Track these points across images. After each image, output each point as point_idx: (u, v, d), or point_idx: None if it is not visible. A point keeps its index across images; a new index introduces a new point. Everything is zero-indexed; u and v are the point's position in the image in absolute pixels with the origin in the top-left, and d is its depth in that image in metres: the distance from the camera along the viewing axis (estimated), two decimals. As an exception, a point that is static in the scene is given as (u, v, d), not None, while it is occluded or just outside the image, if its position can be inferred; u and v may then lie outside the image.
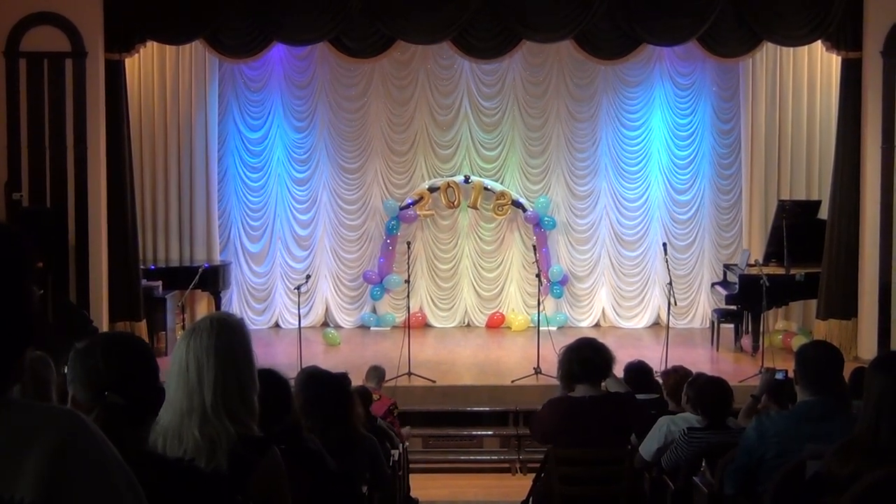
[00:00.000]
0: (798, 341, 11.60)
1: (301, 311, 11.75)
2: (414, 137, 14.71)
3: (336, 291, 14.81)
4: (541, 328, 11.77)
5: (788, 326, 13.57)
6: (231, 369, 2.99)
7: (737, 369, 11.40)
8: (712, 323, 13.20)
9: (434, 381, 11.05)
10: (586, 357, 5.43)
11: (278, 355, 12.33)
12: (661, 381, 6.99)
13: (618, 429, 5.52)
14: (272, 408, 3.59)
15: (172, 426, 2.92)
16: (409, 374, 11.10)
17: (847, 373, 5.42)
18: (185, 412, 2.93)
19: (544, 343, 11.34)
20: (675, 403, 6.38)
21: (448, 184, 14.43)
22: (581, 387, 5.40)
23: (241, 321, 3.23)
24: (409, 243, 12.93)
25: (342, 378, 5.02)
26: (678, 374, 6.59)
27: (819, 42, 12.55)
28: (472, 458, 10.30)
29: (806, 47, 13.16)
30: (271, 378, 3.83)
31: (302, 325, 11.66)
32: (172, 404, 2.94)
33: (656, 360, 10.13)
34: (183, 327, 12.79)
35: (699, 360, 11.62)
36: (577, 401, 5.39)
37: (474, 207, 14.57)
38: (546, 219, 14.51)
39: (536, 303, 12.15)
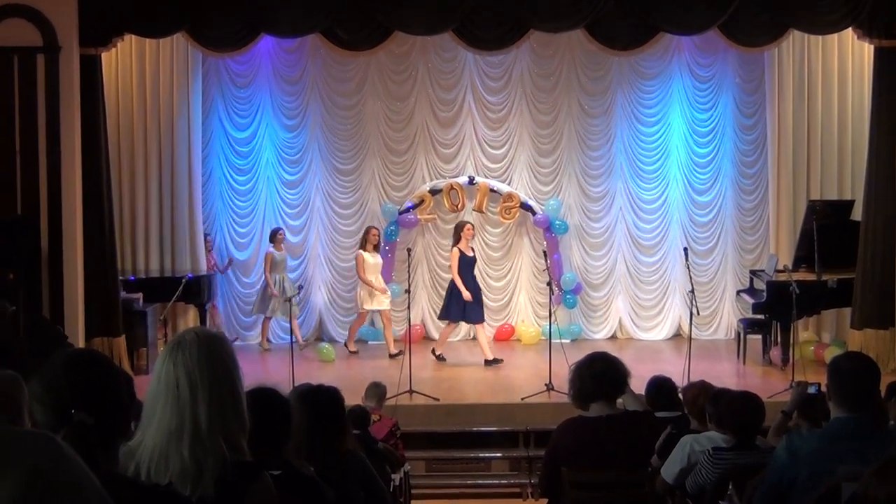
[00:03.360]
0: (831, 353, 11.57)
1: (292, 324, 11.75)
2: (414, 136, 14.72)
3: (330, 303, 14.81)
4: (553, 341, 11.75)
5: (820, 337, 13.56)
6: (226, 385, 2.98)
7: (765, 384, 11.37)
8: (738, 334, 13.18)
9: (437, 400, 11.04)
10: (599, 372, 5.42)
11: (268, 373, 12.33)
12: (682, 397, 6.97)
13: (637, 450, 5.51)
14: (271, 432, 3.57)
15: (159, 448, 2.89)
16: (411, 391, 11.08)
17: (884, 386, 5.41)
18: (175, 432, 2.89)
19: (556, 357, 11.32)
20: (698, 421, 6.36)
21: (451, 185, 14.44)
22: (596, 405, 5.38)
23: (223, 335, 3.23)
24: (409, 250, 12.91)
25: (338, 396, 4.99)
26: (701, 390, 6.57)
27: (850, 29, 12.49)
28: (479, 482, 10.29)
29: (836, 35, 13.11)
30: (272, 399, 3.78)
31: (294, 341, 11.63)
32: (159, 424, 2.91)
33: (678, 375, 10.11)
34: (165, 343, 12.77)
35: (724, 375, 11.59)
36: (593, 420, 5.38)
37: (479, 211, 14.57)
38: (557, 222, 14.51)
39: (548, 313, 12.15)
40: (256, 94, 14.54)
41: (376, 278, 13.34)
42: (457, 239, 12.74)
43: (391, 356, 12.97)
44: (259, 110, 14.57)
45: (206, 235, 14.16)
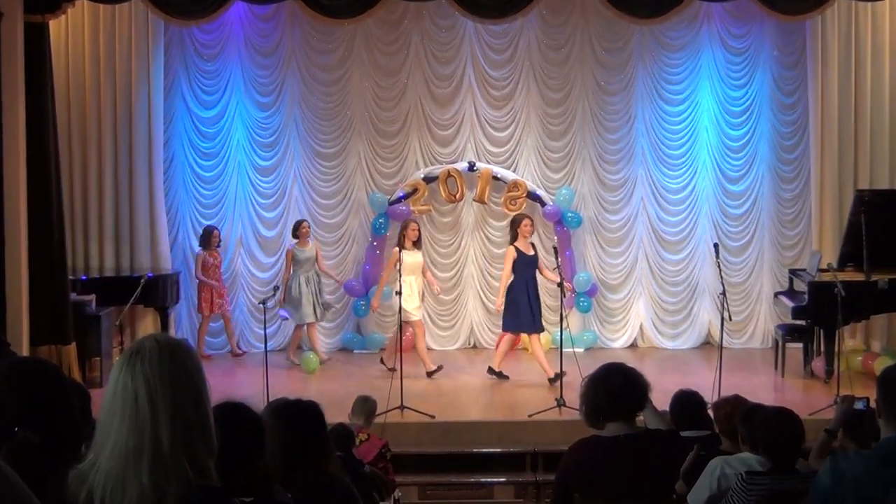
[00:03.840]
0: (881, 363, 11.57)
1: (267, 331, 11.73)
2: (406, 116, 14.73)
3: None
4: (564, 350, 11.76)
5: (869, 346, 13.57)
6: (190, 400, 2.97)
7: (807, 399, 11.37)
8: (776, 342, 13.19)
9: (433, 417, 11.04)
10: (616, 387, 5.40)
11: (239, 386, 12.32)
12: (711, 413, 6.97)
13: (660, 474, 5.50)
14: (241, 453, 3.57)
15: (115, 471, 2.88)
16: (402, 407, 11.08)
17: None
18: (133, 453, 2.87)
19: (568, 368, 11.32)
20: (730, 442, 6.36)
21: (448, 172, 14.44)
22: (613, 424, 5.38)
23: (187, 342, 3.22)
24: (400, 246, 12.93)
25: (318, 412, 4.98)
26: (733, 406, 6.57)
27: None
28: (480, 510, 10.30)
29: (887, 1, 13.14)
30: (241, 415, 3.78)
31: (269, 349, 11.62)
32: (115, 444, 2.88)
33: (707, 389, 10.09)
34: (121, 351, 12.76)
35: (760, 388, 11.60)
36: (609, 441, 5.37)
37: (481, 201, 14.58)
38: (570, 215, 14.53)
39: (559, 318, 12.11)
40: (226, 68, 14.54)
41: (416, 280, 13.06)
42: (514, 236, 12.53)
43: (429, 374, 12.92)
44: (229, 86, 14.56)
45: (214, 229, 14.17)
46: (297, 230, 13.72)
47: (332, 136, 14.71)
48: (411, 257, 12.90)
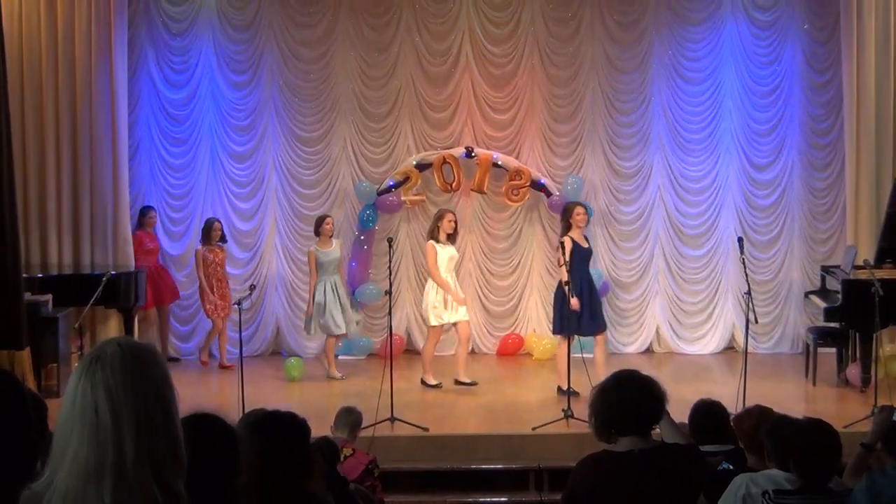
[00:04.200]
0: (923, 371, 11.60)
1: (243, 334, 11.72)
2: (396, 96, 14.73)
3: (290, 308, 14.82)
4: (572, 355, 11.74)
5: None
6: (157, 411, 2.95)
7: (840, 410, 11.36)
8: (807, 346, 13.19)
9: (426, 430, 11.03)
10: (630, 397, 5.39)
11: (211, 396, 12.31)
12: (735, 426, 6.97)
13: (677, 493, 5.50)
14: (213, 470, 3.56)
15: (73, 491, 2.86)
16: (392, 419, 11.07)
17: None
18: (94, 471, 2.85)
19: (577, 376, 11.31)
20: (756, 457, 6.36)
21: (444, 159, 14.44)
22: (625, 438, 5.37)
23: (153, 347, 3.20)
24: (390, 240, 12.84)
25: (301, 424, 4.98)
26: (759, 417, 6.56)
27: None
28: (479, 533, 10.31)
29: (931, -31, 13.17)
30: (212, 427, 3.78)
31: (245, 354, 11.62)
32: (74, 461, 2.86)
33: (731, 399, 10.10)
34: (81, 357, 12.74)
35: (789, 398, 11.61)
36: (621, 456, 5.37)
37: (480, 191, 14.58)
38: (578, 206, 14.52)
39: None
40: (197, 44, 14.54)
41: (452, 278, 12.86)
42: (566, 226, 12.40)
43: (460, 382, 12.78)
44: (200, 64, 14.56)
45: (215, 221, 14.05)
46: (320, 227, 13.43)
47: (314, 118, 14.71)
48: (447, 252, 12.74)
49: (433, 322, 12.73)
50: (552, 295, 12.55)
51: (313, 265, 13.30)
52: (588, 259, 12.49)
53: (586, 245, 12.46)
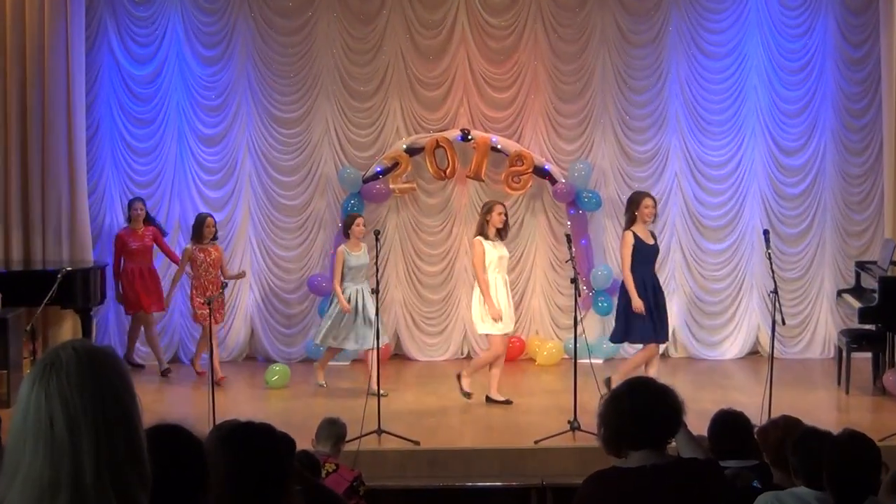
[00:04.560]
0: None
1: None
2: (384, 72, 14.73)
3: (266, 308, 14.82)
4: (579, 361, 11.74)
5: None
6: (117, 420, 2.94)
7: (876, 421, 11.40)
8: (839, 351, 13.21)
9: (417, 443, 11.04)
10: (642, 407, 5.39)
11: (178, 405, 12.30)
12: (759, 439, 6.98)
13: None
14: (178, 483, 3.56)
15: (27, 510, 2.87)
16: (379, 431, 11.08)
17: None
18: (49, 487, 2.84)
19: (584, 384, 11.31)
20: (782, 473, 6.36)
21: (437, 142, 14.43)
22: (638, 453, 5.37)
23: (113, 350, 3.19)
24: (377, 233, 12.85)
25: (276, 438, 4.98)
26: (784, 430, 6.56)
27: None
28: (475, 558, 10.31)
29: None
30: (177, 439, 3.78)
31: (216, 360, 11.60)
32: (27, 477, 2.86)
33: (755, 408, 10.11)
34: (34, 362, 12.75)
35: (819, 408, 11.64)
36: (633, 473, 5.36)
37: (477, 178, 14.57)
38: (586, 195, 14.54)
39: (572, 323, 12.12)
40: (163, 13, 14.52)
41: (502, 279, 12.44)
42: (631, 218, 12.19)
43: (492, 400, 12.44)
44: (166, 36, 14.54)
45: (207, 217, 13.69)
46: (350, 228, 13.12)
47: (292, 97, 14.71)
48: (497, 252, 12.43)
49: (485, 330, 12.45)
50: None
51: (340, 267, 12.93)
52: (654, 258, 12.33)
53: (652, 242, 12.28)
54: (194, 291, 13.58)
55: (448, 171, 14.49)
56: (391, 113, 14.74)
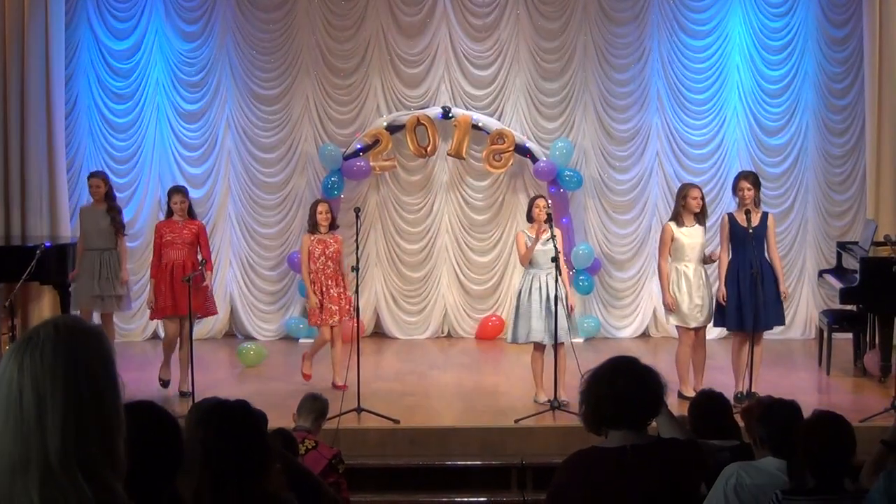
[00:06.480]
0: (949, 359, 11.64)
1: (193, 315, 11.69)
2: (365, 49, 14.71)
3: (246, 285, 14.83)
4: (560, 340, 11.75)
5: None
6: (88, 401, 2.93)
7: (857, 402, 11.43)
8: (820, 332, 13.23)
9: (397, 421, 11.03)
10: (624, 388, 5.40)
11: (157, 382, 12.30)
12: (740, 419, 7.01)
13: (675, 493, 5.52)
14: (152, 463, 3.56)
15: (1, 487, 2.88)
16: (359, 409, 11.08)
17: None
18: (19, 465, 2.85)
19: (565, 363, 11.33)
20: (764, 453, 6.39)
21: (417, 120, 14.42)
22: (618, 433, 5.39)
23: (98, 329, 3.18)
24: (357, 210, 12.81)
25: (257, 416, 4.98)
26: (766, 409, 6.59)
27: None
28: (454, 537, 10.34)
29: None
30: (152, 416, 3.78)
31: (195, 338, 11.60)
32: (1, 455, 2.89)
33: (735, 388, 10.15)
34: (13, 339, 12.74)
35: (800, 388, 11.64)
36: (613, 453, 5.38)
37: (458, 156, 14.57)
38: (567, 174, 14.55)
39: (553, 302, 12.12)
40: (142, -13, 14.49)
41: (695, 269, 11.87)
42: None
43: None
44: (146, 10, 14.49)
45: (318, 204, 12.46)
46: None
47: (273, 73, 14.68)
48: (692, 236, 11.82)
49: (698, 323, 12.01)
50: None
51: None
52: (749, 241, 11.57)
53: (744, 224, 11.59)
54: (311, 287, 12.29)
55: (429, 149, 14.48)
56: (372, 90, 14.72)
